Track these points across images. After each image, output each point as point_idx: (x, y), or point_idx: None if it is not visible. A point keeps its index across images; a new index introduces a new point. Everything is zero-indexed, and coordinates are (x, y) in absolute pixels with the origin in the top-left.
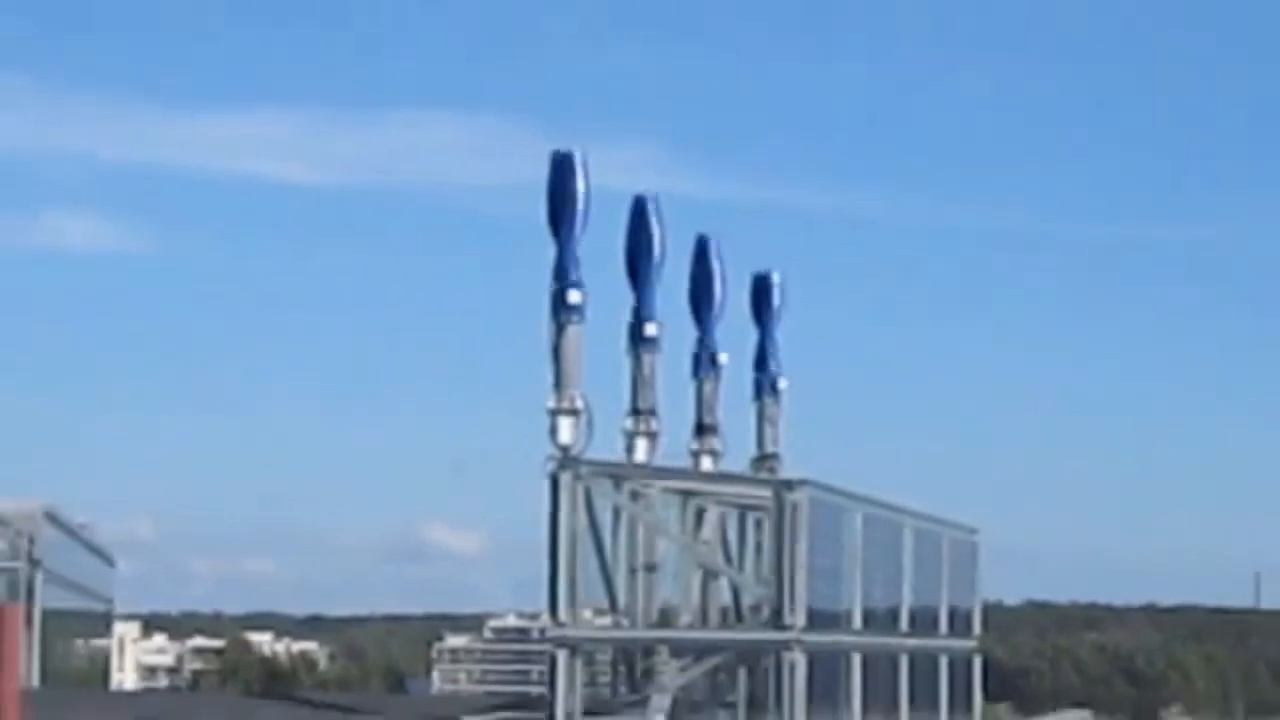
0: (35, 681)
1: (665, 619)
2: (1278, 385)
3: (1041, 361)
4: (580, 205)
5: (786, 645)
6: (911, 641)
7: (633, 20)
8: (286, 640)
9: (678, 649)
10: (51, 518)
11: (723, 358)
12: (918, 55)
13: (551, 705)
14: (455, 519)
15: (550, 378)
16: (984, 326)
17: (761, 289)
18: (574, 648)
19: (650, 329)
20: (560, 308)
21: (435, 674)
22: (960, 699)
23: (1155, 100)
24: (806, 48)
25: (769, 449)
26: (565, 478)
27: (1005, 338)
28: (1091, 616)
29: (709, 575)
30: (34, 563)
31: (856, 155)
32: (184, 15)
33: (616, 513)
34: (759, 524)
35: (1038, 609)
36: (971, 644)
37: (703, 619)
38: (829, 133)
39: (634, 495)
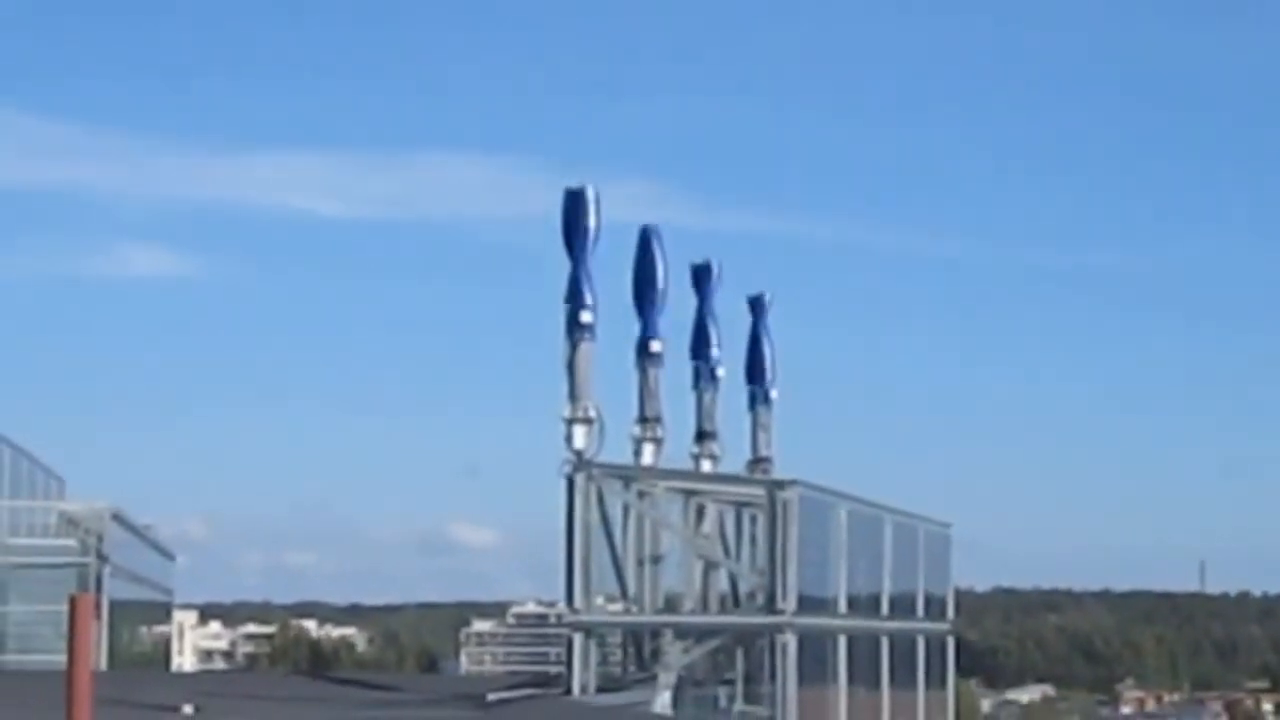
0: (104, 664)
1: (670, 605)
2: (1217, 393)
3: (1008, 373)
4: (590, 235)
5: (779, 628)
6: (891, 624)
7: (634, 71)
8: (329, 626)
9: (681, 632)
10: (118, 518)
11: (720, 371)
12: (895, 101)
13: (569, 683)
14: (479, 516)
15: (565, 390)
16: (957, 342)
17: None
18: (588, 631)
19: (655, 346)
20: (574, 327)
21: (463, 656)
22: (935, 676)
23: (1113, 140)
24: (801, 94)
25: (762, 452)
26: (580, 479)
27: (976, 352)
28: (1053, 601)
29: (709, 565)
30: (102, 558)
31: (841, 189)
32: (234, 68)
33: (625, 510)
34: (754, 519)
35: (1005, 594)
36: (945, 626)
37: (703, 605)
38: (817, 169)
39: (641, 494)
